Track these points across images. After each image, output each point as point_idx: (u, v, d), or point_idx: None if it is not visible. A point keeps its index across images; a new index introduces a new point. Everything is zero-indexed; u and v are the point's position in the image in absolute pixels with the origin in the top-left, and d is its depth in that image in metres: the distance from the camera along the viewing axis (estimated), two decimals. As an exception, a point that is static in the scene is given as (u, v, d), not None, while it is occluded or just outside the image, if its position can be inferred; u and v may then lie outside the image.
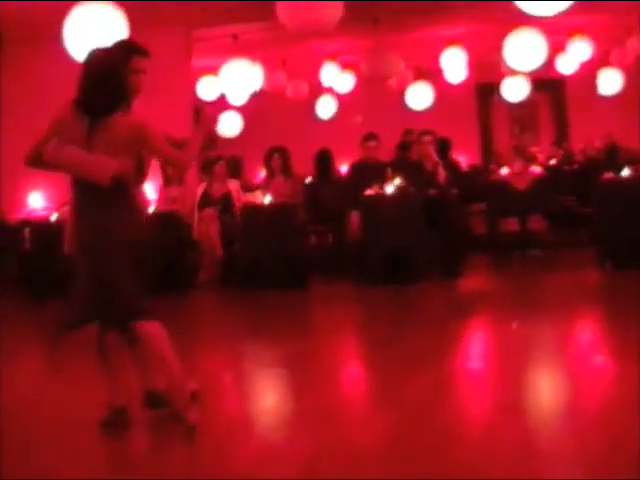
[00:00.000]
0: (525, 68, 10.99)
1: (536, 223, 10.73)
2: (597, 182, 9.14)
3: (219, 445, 3.90)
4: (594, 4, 11.10)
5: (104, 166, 3.89)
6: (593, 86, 13.77)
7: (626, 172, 8.97)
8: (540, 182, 10.29)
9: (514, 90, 13.43)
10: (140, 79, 4.19)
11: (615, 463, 3.35)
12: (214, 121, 4.45)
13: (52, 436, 4.25)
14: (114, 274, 4.00)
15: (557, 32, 11.65)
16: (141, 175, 4.20)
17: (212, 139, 4.82)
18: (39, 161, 4.03)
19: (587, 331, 6.62)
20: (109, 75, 3.95)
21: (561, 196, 10.94)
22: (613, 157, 12.33)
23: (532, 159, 12.08)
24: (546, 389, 4.86)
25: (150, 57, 4.24)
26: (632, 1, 10.65)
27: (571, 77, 14.10)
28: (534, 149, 14.17)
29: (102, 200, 3.97)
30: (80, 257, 4.07)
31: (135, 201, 4.16)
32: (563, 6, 7.39)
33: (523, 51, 10.47)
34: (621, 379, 4.73)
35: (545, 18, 7.85)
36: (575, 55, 12.89)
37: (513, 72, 12.04)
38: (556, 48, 12.48)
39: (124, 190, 4.02)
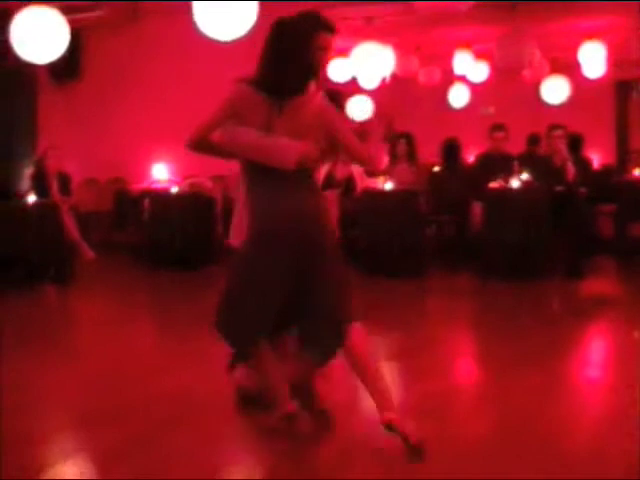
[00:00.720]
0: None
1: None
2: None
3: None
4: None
5: (289, 149, 3.53)
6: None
7: None
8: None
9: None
10: (325, 56, 3.68)
11: None
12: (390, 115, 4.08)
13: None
14: (337, 270, 3.68)
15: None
16: (331, 157, 4.02)
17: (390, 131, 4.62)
18: (206, 145, 3.65)
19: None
20: (299, 52, 3.55)
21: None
22: None
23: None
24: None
25: (336, 34, 3.74)
26: None
27: None
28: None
29: (301, 186, 3.61)
30: (275, 253, 3.57)
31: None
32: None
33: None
34: None
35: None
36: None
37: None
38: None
39: (310, 175, 3.70)
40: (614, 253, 9.89)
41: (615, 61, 12.79)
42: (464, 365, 5.62)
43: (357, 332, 3.70)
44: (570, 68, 12.92)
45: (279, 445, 3.66)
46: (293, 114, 3.56)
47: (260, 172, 3.63)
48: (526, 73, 12.84)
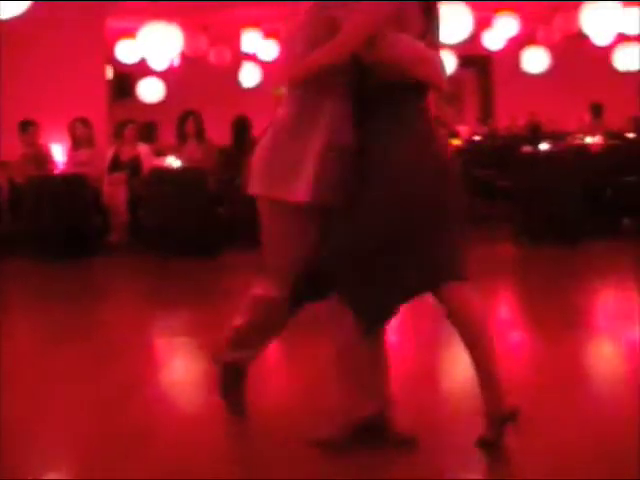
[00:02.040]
0: (450, 42, 10.89)
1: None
2: (516, 156, 9.09)
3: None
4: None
5: (443, 66, 3.17)
6: (519, 63, 13.72)
7: (544, 146, 8.93)
8: (460, 156, 10.18)
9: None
10: None
11: None
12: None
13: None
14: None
15: (483, 8, 11.57)
16: None
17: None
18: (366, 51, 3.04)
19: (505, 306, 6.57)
20: None
21: (480, 169, 10.84)
22: (536, 133, 12.33)
23: (453, 134, 11.99)
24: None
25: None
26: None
27: (497, 54, 14.02)
28: (459, 125, 14.09)
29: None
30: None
31: None
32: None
33: (448, 25, 10.36)
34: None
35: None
36: (501, 32, 12.83)
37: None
38: (482, 24, 12.42)
39: None
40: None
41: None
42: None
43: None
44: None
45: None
46: (436, 28, 3.20)
47: (412, 96, 3.13)
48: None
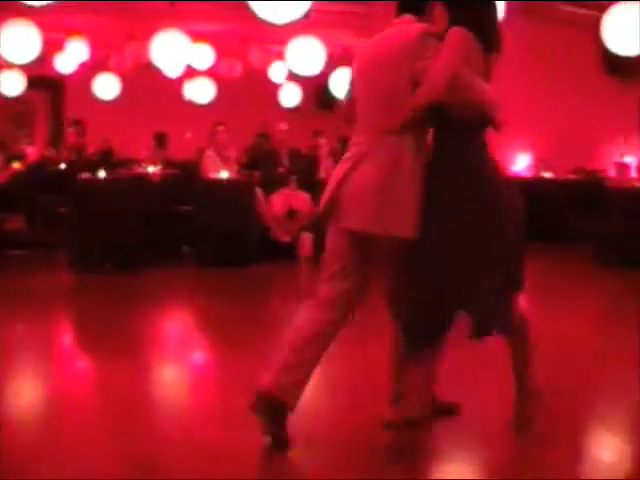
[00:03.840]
0: (18, 61, 10.48)
1: (15, 222, 10.23)
2: (75, 182, 8.98)
3: None
4: (92, 4, 10.98)
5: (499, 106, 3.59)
6: (91, 88, 13.59)
7: (102, 174, 8.92)
8: (21, 179, 9.86)
9: (10, 84, 12.79)
10: None
11: None
12: None
13: None
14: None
15: (55, 29, 11.32)
16: None
17: None
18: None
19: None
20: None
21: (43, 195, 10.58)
22: (107, 160, 12.27)
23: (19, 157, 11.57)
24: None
25: None
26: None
27: (69, 77, 13.77)
28: (27, 148, 13.63)
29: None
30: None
31: None
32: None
33: (16, 44, 9.98)
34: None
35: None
36: (73, 55, 12.64)
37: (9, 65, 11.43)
38: (54, 46, 12.14)
39: None
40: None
41: None
42: None
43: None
44: None
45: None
46: (490, 72, 3.66)
47: (477, 131, 3.61)
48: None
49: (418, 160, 3.58)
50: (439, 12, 3.61)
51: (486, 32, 3.57)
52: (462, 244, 3.48)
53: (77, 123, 12.73)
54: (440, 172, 3.57)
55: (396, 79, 3.56)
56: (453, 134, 3.58)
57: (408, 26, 3.63)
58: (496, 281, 3.49)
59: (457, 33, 3.48)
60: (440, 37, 3.52)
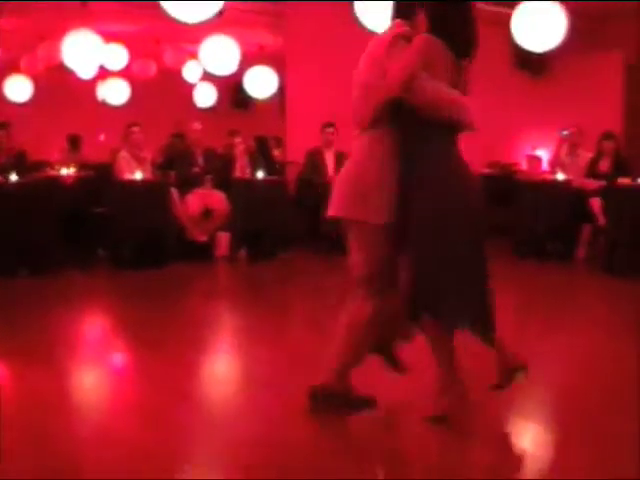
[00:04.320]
0: None
1: None
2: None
3: None
4: (3, 4, 10.77)
5: (471, 110, 3.86)
6: (2, 90, 13.34)
7: (14, 177, 8.79)
8: None
9: None
10: None
11: None
12: None
13: None
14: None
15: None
16: None
17: None
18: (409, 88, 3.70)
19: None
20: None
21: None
22: (21, 163, 12.04)
23: None
24: None
25: None
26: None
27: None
28: None
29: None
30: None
31: None
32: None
33: None
34: None
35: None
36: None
37: None
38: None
39: None
40: None
41: None
42: None
43: None
44: None
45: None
46: (462, 77, 3.91)
47: (444, 132, 3.85)
48: None
49: (389, 154, 3.86)
50: (421, 19, 3.90)
51: (456, 39, 3.85)
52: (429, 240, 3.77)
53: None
54: (406, 171, 3.84)
55: (370, 77, 3.85)
56: (422, 134, 3.83)
57: (389, 29, 3.95)
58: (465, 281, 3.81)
59: (421, 39, 3.76)
60: (411, 41, 3.78)
